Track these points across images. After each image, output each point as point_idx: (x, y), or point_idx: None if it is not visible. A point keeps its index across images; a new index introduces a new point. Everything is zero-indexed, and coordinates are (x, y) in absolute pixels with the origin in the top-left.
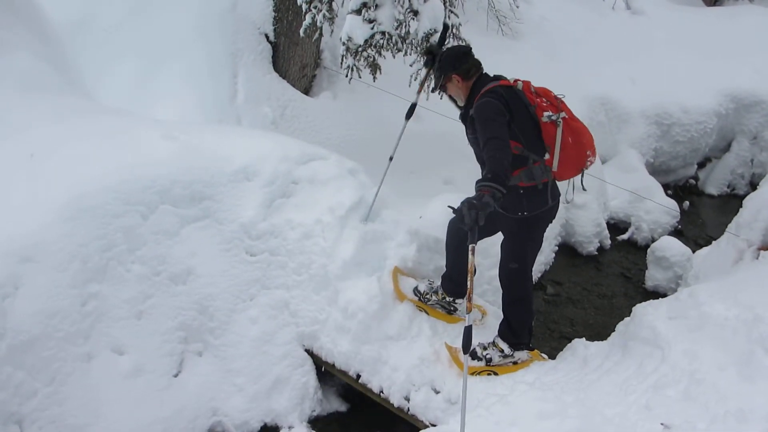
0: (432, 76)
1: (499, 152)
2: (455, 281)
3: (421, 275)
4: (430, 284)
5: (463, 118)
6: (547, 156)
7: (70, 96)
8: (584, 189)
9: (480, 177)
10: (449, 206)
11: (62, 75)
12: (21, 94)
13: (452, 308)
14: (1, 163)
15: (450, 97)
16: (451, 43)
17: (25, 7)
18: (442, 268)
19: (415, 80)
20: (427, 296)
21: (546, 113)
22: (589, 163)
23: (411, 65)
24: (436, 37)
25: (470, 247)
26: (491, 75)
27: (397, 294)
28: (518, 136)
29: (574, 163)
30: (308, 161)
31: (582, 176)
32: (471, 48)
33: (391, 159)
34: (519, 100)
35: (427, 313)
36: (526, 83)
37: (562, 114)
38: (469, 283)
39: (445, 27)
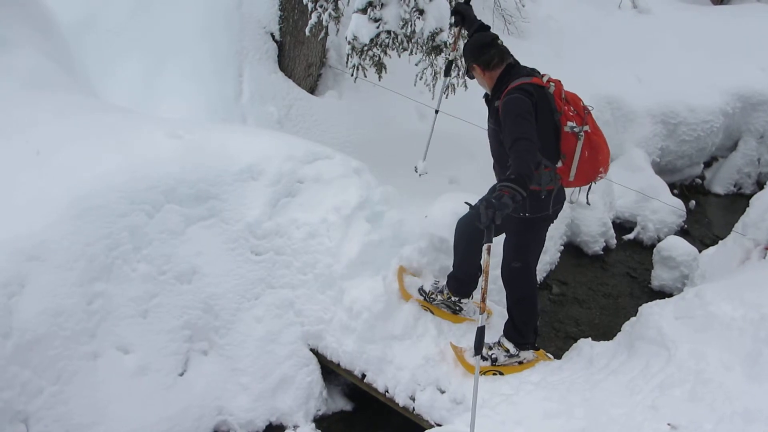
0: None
1: (527, 153)
2: (461, 281)
3: (426, 275)
4: (435, 284)
5: (488, 102)
6: (559, 164)
7: (76, 94)
8: (588, 203)
9: (490, 171)
10: (466, 202)
11: (67, 73)
12: (26, 91)
13: (457, 308)
14: (7, 161)
15: None
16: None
17: (31, 5)
18: (447, 267)
19: (420, 79)
20: (433, 296)
21: (570, 123)
22: (599, 178)
23: (416, 64)
24: (442, 36)
25: (485, 246)
26: (526, 67)
27: (402, 293)
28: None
29: (585, 176)
30: (313, 160)
31: (589, 189)
32: (496, 37)
33: (437, 112)
34: (547, 103)
35: (433, 313)
36: (558, 87)
37: (585, 127)
38: (483, 283)
39: None
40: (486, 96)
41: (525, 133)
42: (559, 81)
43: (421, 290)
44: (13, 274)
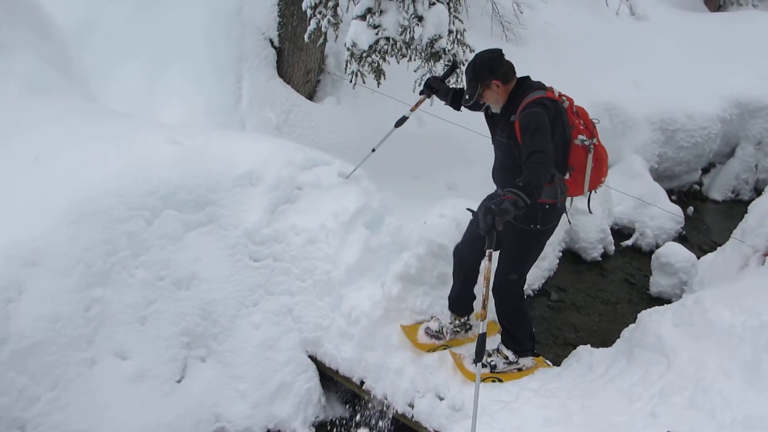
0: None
1: (542, 166)
2: (462, 298)
3: (423, 282)
4: (437, 320)
5: (493, 119)
6: (567, 176)
7: (75, 98)
8: (590, 212)
9: (489, 177)
10: (468, 209)
11: (67, 77)
12: (25, 96)
13: (468, 327)
14: (6, 166)
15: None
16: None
17: (30, 9)
18: (445, 274)
19: (419, 86)
20: (444, 331)
21: (581, 136)
22: (600, 185)
23: (415, 71)
24: (441, 43)
25: (487, 252)
26: (533, 80)
27: (419, 347)
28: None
29: (591, 186)
30: (312, 166)
31: (589, 197)
32: (501, 50)
33: (373, 150)
34: (561, 118)
35: (449, 347)
36: (570, 101)
37: (594, 140)
38: (483, 289)
39: (454, 65)
40: (492, 115)
41: (542, 147)
42: (571, 98)
43: (428, 331)
44: (11, 280)
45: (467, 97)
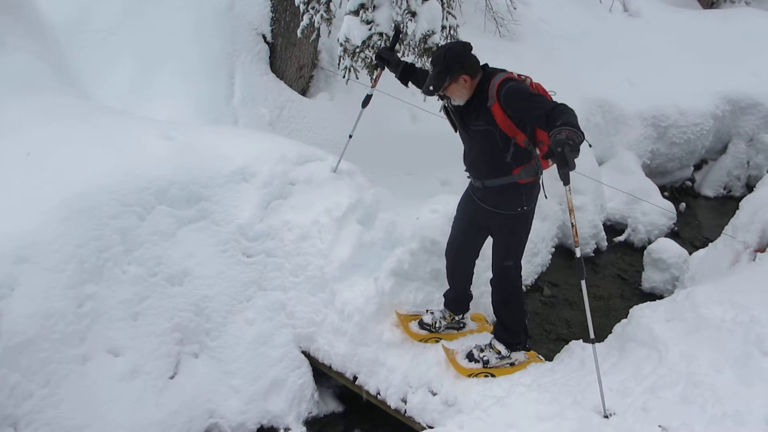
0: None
1: (571, 111)
2: (459, 296)
3: (416, 277)
4: (431, 314)
5: (461, 110)
6: (537, 151)
7: (67, 96)
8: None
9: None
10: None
11: (59, 75)
12: (18, 93)
13: (461, 325)
14: None
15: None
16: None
17: (22, 7)
18: (438, 270)
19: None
20: (437, 325)
21: None
22: None
23: None
24: (434, 39)
25: (567, 188)
26: (494, 68)
27: (411, 336)
28: (525, 128)
29: None
30: (305, 162)
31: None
32: (470, 44)
33: (350, 137)
34: None
35: (442, 339)
36: (530, 79)
37: None
38: (572, 220)
39: (397, 30)
40: (448, 106)
41: (552, 101)
42: (529, 77)
43: (422, 324)
44: (3, 277)
45: (431, 88)
